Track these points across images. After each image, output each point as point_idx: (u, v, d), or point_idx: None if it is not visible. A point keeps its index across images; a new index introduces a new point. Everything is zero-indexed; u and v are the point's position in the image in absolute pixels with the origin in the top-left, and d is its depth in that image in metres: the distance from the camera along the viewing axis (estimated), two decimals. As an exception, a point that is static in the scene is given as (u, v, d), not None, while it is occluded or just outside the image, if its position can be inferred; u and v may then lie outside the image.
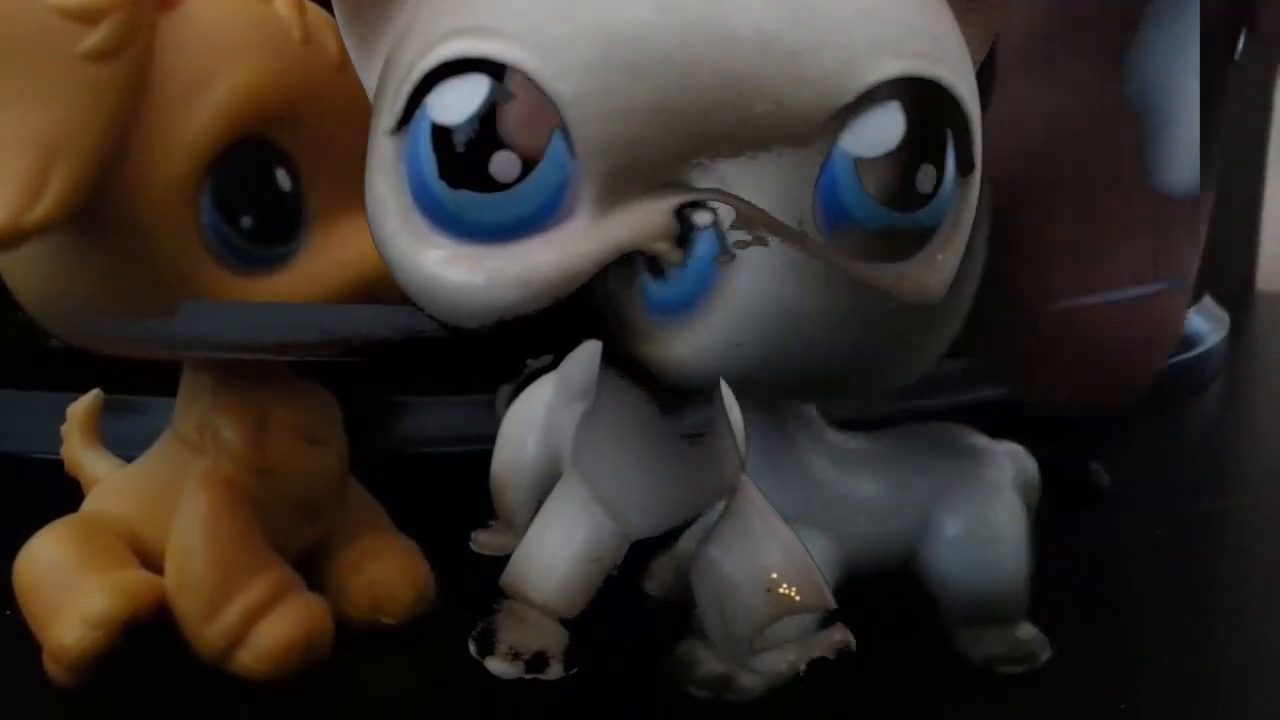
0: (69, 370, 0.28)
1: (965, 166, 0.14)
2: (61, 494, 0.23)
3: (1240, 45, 0.47)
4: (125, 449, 0.27)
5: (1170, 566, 0.25)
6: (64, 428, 0.25)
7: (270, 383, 0.21)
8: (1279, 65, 0.65)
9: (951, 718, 0.19)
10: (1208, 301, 0.49)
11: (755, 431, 0.20)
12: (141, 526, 0.21)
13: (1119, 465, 0.33)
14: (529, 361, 0.24)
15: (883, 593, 0.20)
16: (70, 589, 0.19)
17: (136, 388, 0.28)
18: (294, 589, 0.20)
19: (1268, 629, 0.21)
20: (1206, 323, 0.46)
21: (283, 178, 0.19)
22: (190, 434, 0.21)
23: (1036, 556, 0.20)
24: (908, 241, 0.14)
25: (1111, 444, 0.34)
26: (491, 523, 0.24)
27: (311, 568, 0.21)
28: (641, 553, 0.21)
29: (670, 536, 0.20)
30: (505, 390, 0.24)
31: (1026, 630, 0.20)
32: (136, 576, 0.20)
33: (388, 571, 0.21)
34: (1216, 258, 0.51)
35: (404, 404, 0.29)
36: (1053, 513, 0.27)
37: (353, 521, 0.22)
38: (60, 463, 0.25)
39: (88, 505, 0.22)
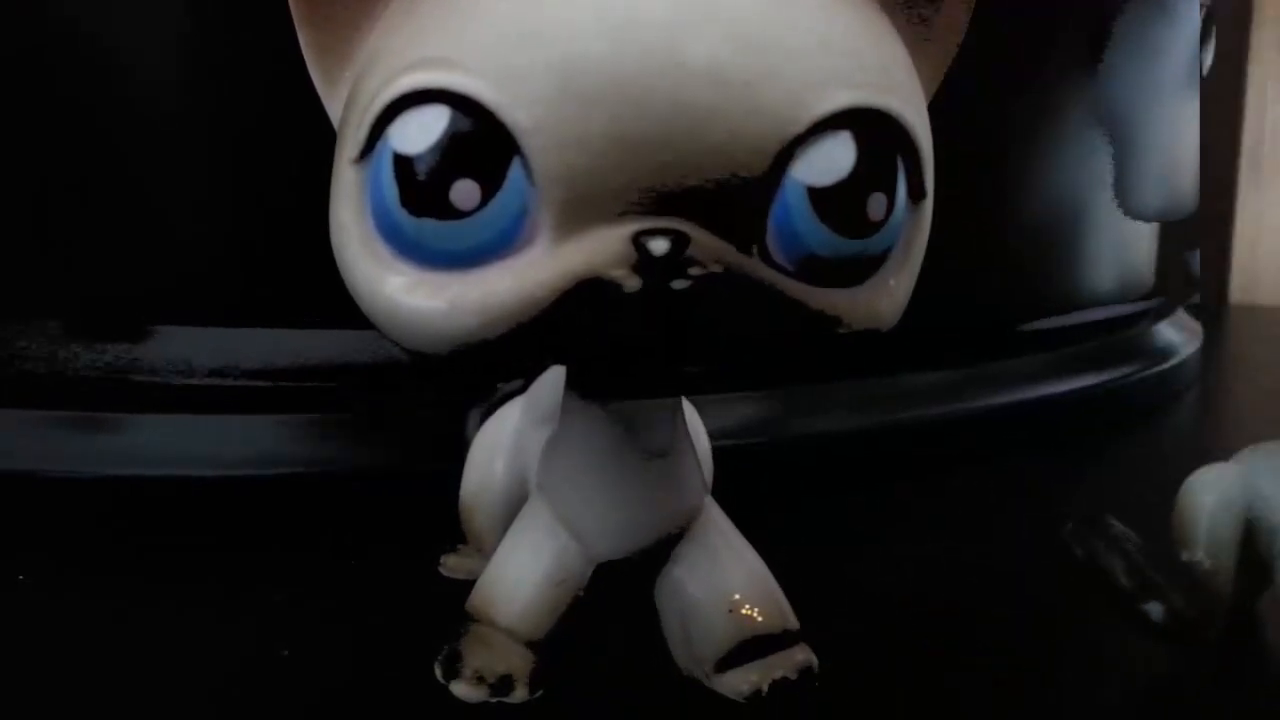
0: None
1: (916, 194, 0.14)
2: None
3: (1209, 61, 0.48)
4: (100, 467, 0.27)
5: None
6: None
7: None
8: (1248, 80, 0.66)
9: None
10: (1181, 314, 0.49)
11: None
12: None
13: (1092, 476, 0.33)
14: (499, 385, 0.24)
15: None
16: None
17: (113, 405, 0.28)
18: None
19: (1246, 636, 0.21)
20: (1179, 335, 0.47)
21: None
22: None
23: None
24: (860, 268, 0.14)
25: (1085, 455, 0.35)
26: (460, 546, 0.24)
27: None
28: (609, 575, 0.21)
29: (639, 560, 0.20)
30: (475, 414, 0.24)
31: None
32: None
33: None
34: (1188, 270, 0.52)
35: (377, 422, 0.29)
36: (1019, 525, 0.27)
37: None
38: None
39: None
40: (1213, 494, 0.19)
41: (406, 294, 0.14)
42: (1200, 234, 0.56)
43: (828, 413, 0.32)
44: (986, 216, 0.36)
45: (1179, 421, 0.42)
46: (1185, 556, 0.19)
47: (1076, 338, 0.40)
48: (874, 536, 0.27)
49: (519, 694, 0.17)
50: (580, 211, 0.13)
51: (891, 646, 0.21)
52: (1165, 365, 0.43)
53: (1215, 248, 0.66)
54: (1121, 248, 0.43)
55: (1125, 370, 0.41)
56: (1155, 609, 0.19)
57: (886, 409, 0.33)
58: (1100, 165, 0.40)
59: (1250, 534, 0.18)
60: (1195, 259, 0.51)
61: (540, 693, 0.18)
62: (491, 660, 0.17)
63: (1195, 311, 0.50)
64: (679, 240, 0.13)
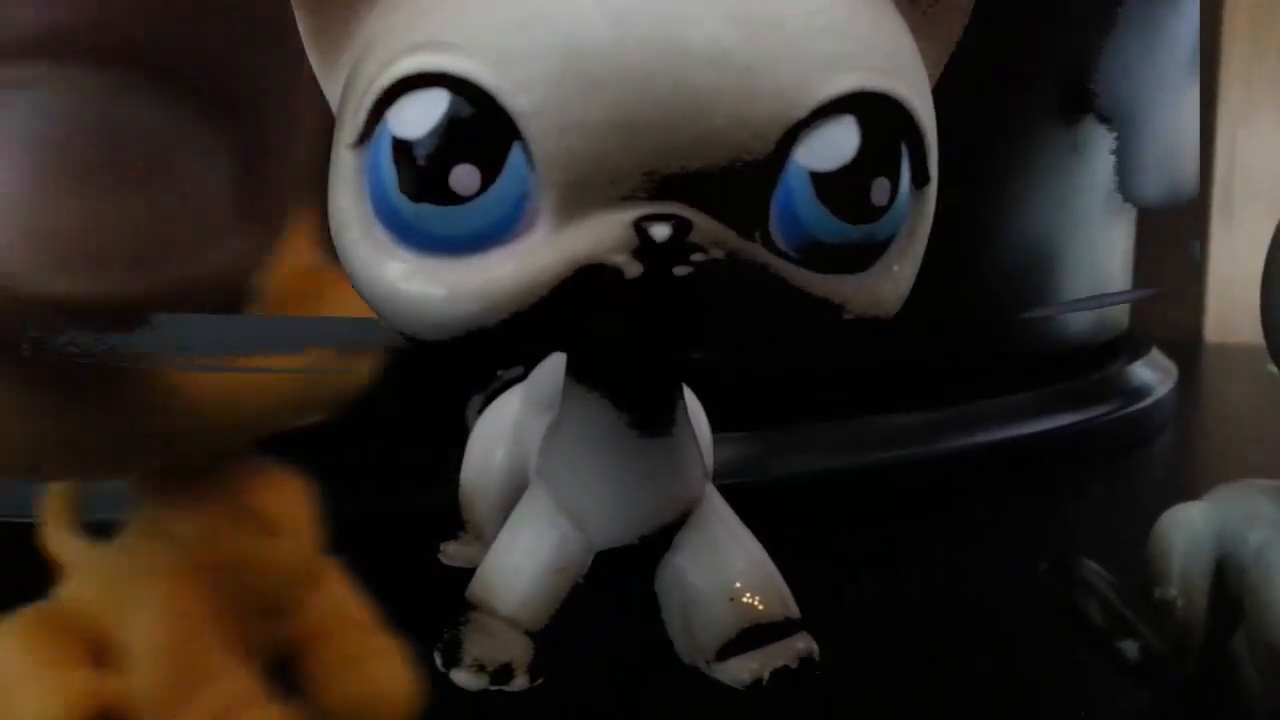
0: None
1: (920, 179, 0.14)
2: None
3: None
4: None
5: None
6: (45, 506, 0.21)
7: (224, 468, 0.18)
8: (1218, 122, 0.66)
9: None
10: (1155, 353, 0.49)
11: None
12: (105, 619, 0.18)
13: (1069, 515, 0.33)
14: (499, 372, 0.24)
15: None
16: (16, 691, 0.17)
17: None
18: (256, 698, 0.17)
19: (1220, 672, 0.21)
20: (1154, 374, 0.47)
21: None
22: (143, 524, 0.18)
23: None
24: (864, 254, 0.14)
25: (1061, 494, 0.35)
26: (460, 534, 0.24)
27: (287, 670, 0.19)
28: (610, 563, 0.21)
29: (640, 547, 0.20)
30: (475, 401, 0.24)
31: None
32: (85, 678, 0.17)
33: (370, 678, 0.19)
34: (1163, 309, 0.52)
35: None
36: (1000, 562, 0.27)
37: (331, 619, 0.19)
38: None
39: (58, 592, 0.19)
40: (1184, 533, 0.19)
41: (405, 280, 0.13)
42: (1174, 272, 0.56)
43: (807, 454, 0.32)
44: (964, 258, 0.36)
45: (1154, 460, 0.42)
46: (1158, 594, 0.19)
47: (1051, 378, 0.40)
48: (850, 576, 0.27)
49: (519, 682, 0.17)
50: (581, 196, 0.13)
51: (864, 686, 0.20)
52: (1140, 405, 0.43)
53: (1188, 287, 0.66)
54: (1095, 288, 0.43)
55: (1101, 410, 0.41)
56: (1130, 647, 0.19)
57: (863, 450, 0.33)
58: (1076, 207, 0.40)
59: (1221, 572, 0.19)
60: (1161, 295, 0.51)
61: (540, 681, 0.18)
62: (492, 648, 0.17)
63: (1169, 350, 0.50)
64: (681, 225, 0.13)
